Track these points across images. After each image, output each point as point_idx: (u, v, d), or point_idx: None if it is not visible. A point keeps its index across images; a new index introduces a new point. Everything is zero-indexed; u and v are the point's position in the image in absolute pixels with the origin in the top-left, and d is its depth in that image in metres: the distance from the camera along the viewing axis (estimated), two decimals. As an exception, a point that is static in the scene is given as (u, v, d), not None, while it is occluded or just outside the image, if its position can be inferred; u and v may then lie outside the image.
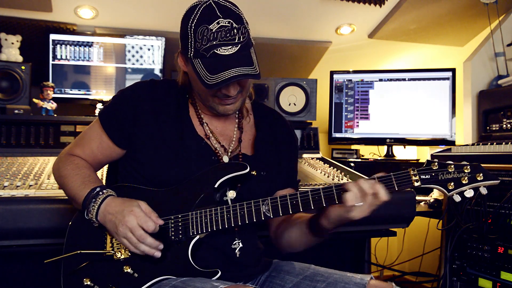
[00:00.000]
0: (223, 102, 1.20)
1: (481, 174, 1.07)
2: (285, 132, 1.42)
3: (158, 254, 1.11)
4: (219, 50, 1.10)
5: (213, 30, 1.09)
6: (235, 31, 1.11)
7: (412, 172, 1.10)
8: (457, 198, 1.10)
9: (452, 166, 1.09)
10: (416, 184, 1.09)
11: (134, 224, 1.09)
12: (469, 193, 1.08)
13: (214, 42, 1.09)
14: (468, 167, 1.08)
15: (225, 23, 1.10)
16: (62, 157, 1.31)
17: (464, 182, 1.08)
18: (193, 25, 1.11)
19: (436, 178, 1.09)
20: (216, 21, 1.10)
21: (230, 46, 1.10)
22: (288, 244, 1.32)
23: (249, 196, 1.19)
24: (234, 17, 1.12)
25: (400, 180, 1.09)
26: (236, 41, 1.11)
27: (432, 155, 1.97)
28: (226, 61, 1.10)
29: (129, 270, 1.14)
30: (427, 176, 1.09)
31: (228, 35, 1.10)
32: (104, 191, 1.17)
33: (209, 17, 1.10)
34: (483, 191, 1.09)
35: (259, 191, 1.25)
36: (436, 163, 1.10)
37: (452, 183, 1.08)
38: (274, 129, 1.38)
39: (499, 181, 1.08)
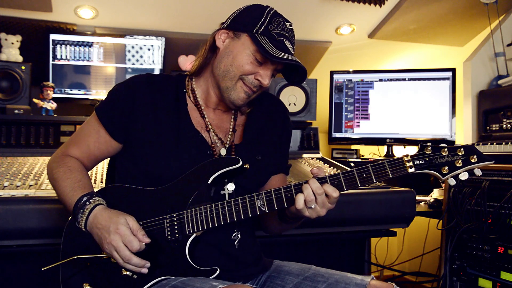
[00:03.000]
0: (245, 88, 1.23)
1: (475, 156, 1.06)
2: (279, 116, 1.41)
3: (144, 271, 1.12)
4: (286, 42, 1.22)
5: (287, 27, 1.24)
6: (294, 39, 1.27)
7: (406, 159, 1.09)
8: (452, 182, 1.08)
9: (446, 149, 1.07)
10: (410, 170, 1.08)
11: (119, 244, 1.09)
12: (464, 176, 1.07)
13: (286, 34, 1.23)
14: (462, 149, 1.07)
15: (292, 28, 1.26)
16: (56, 157, 1.29)
17: (458, 165, 1.06)
18: (271, 13, 1.23)
19: (430, 163, 1.08)
20: (289, 24, 1.25)
21: (292, 47, 1.25)
22: (263, 225, 1.38)
23: (245, 182, 1.22)
24: None
25: (394, 167, 1.09)
26: (293, 46, 1.26)
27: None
28: (290, 51, 1.22)
29: (127, 273, 1.14)
30: (421, 162, 1.08)
31: (293, 38, 1.26)
32: (91, 200, 1.16)
33: (283, 17, 1.25)
34: (478, 172, 1.07)
35: (257, 175, 1.27)
36: (429, 147, 1.09)
37: (446, 167, 1.07)
38: (267, 113, 1.38)
39: (493, 161, 1.06)
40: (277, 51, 1.18)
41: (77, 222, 1.16)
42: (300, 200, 1.09)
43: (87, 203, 1.15)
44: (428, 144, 1.10)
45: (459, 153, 1.07)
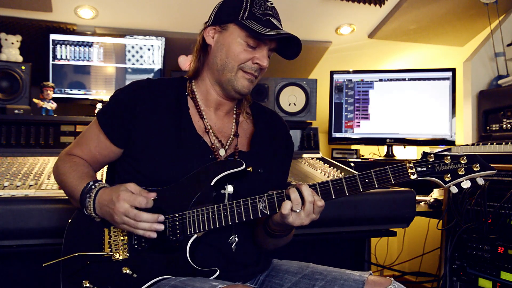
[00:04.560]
0: (246, 76, 1.24)
1: (477, 165, 1.06)
2: (283, 133, 1.43)
3: (160, 227, 1.13)
4: (273, 20, 1.24)
5: (269, 6, 1.25)
6: (278, 16, 1.28)
7: (408, 165, 1.09)
8: (454, 190, 1.09)
9: (449, 157, 1.08)
10: (412, 177, 1.08)
11: (126, 207, 1.10)
12: (466, 184, 1.07)
13: (270, 13, 1.24)
14: (465, 157, 1.07)
15: (274, 7, 1.27)
16: (61, 156, 1.33)
17: (460, 173, 1.07)
18: None
19: (433, 170, 1.08)
20: (270, 2, 1.26)
21: (279, 23, 1.26)
22: (257, 243, 1.33)
23: (246, 194, 1.20)
24: None
25: (396, 173, 1.09)
26: (280, 22, 1.27)
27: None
28: (279, 27, 1.23)
29: (128, 271, 1.14)
30: (423, 169, 1.09)
31: (277, 15, 1.27)
32: (96, 184, 1.18)
33: None
34: (480, 181, 1.08)
35: (256, 188, 1.26)
36: (432, 155, 1.09)
37: (448, 175, 1.07)
38: (271, 129, 1.39)
39: (495, 171, 1.07)
40: (267, 29, 1.18)
41: (86, 209, 1.17)
42: (286, 205, 1.09)
43: (93, 187, 1.18)
44: (431, 152, 1.10)
45: (462, 161, 1.07)
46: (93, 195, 1.16)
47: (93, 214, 1.17)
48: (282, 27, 1.25)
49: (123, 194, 1.11)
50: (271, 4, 1.26)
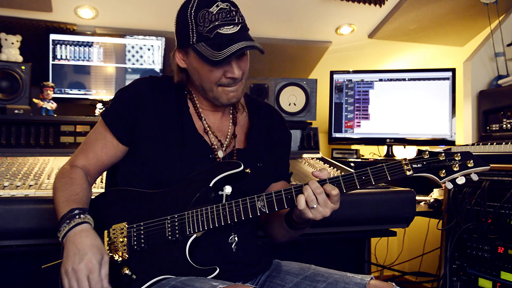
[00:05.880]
0: (226, 90, 1.22)
1: (471, 161, 1.09)
2: (279, 125, 1.43)
3: None
4: (222, 29, 1.14)
5: (214, 12, 1.14)
6: (234, 13, 1.17)
7: (404, 162, 1.12)
8: (449, 186, 1.12)
9: (443, 154, 1.11)
10: (408, 173, 1.11)
11: (83, 275, 1.04)
12: (461, 180, 1.10)
13: (217, 23, 1.14)
14: (459, 154, 1.10)
15: (224, 5, 1.15)
16: (63, 168, 1.29)
17: (455, 169, 1.09)
18: (192, 12, 1.16)
19: (428, 167, 1.11)
20: (216, 4, 1.15)
21: (232, 26, 1.15)
22: (271, 235, 1.37)
23: (245, 188, 1.21)
24: (230, 1, 1.18)
25: (392, 169, 1.12)
26: (236, 21, 1.16)
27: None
28: (231, 37, 1.14)
29: (127, 272, 1.14)
30: (418, 165, 1.11)
31: (228, 16, 1.15)
32: (82, 216, 1.12)
33: (207, 2, 1.15)
34: (474, 177, 1.10)
35: (257, 182, 1.28)
36: (427, 152, 1.12)
37: (443, 171, 1.10)
38: (267, 122, 1.40)
39: (489, 167, 1.10)
40: (217, 52, 1.12)
41: (58, 231, 1.12)
42: (301, 200, 1.10)
43: (77, 216, 1.12)
44: (426, 149, 1.13)
45: (456, 158, 1.10)
46: (73, 224, 1.10)
47: (60, 239, 1.11)
48: (236, 19, 1.15)
49: (94, 265, 1.05)
50: (217, 5, 1.14)
